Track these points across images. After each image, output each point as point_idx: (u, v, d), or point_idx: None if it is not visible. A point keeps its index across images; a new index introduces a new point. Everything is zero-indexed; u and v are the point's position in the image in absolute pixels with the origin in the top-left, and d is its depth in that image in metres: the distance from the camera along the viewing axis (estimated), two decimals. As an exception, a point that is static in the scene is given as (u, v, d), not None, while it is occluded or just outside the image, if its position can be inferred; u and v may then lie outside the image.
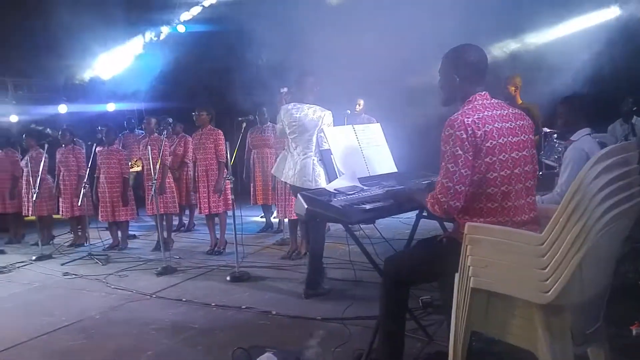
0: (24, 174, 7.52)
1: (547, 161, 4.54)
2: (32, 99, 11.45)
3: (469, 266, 2.10)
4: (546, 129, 5.55)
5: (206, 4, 10.57)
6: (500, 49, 7.81)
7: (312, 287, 4.31)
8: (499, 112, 2.24)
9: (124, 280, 5.28)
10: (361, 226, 5.99)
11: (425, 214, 2.75)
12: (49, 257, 6.57)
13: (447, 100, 2.44)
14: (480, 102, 2.26)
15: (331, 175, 3.09)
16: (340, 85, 5.31)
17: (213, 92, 9.52)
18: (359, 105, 7.06)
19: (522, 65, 7.09)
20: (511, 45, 7.79)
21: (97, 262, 6.09)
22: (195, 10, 10.78)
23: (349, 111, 6.65)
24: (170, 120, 7.67)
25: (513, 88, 5.30)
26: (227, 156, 5.49)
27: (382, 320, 2.60)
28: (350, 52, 6.99)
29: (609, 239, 1.93)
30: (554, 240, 1.86)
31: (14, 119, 10.89)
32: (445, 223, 2.86)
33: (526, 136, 2.26)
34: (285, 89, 5.39)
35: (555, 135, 4.51)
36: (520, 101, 5.42)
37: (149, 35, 11.47)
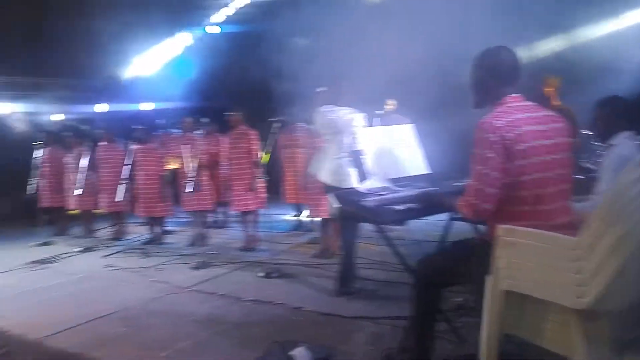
0: (68, 170, 7.84)
1: (587, 165, 4.46)
2: (77, 98, 11.85)
3: (502, 268, 2.11)
4: (586, 131, 5.47)
5: (240, 4, 10.74)
6: (546, 47, 7.65)
7: (343, 284, 4.40)
8: (530, 114, 2.24)
9: (162, 273, 5.46)
10: (393, 227, 6.09)
11: (457, 216, 2.78)
12: (91, 249, 6.83)
13: (478, 103, 2.43)
14: (511, 104, 2.26)
15: (362, 176, 3.16)
16: (373, 86, 5.36)
17: (247, 92, 9.67)
18: (389, 106, 7.07)
19: (568, 63, 6.92)
20: (558, 43, 7.61)
21: (136, 256, 6.31)
22: (231, 11, 10.97)
23: (380, 111, 6.69)
24: (206, 119, 7.87)
25: (549, 89, 5.23)
26: (259, 155, 5.61)
27: (413, 321, 2.64)
28: (387, 51, 7.04)
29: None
30: (591, 245, 1.85)
31: (60, 117, 11.29)
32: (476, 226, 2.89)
33: (560, 139, 2.24)
34: (322, 89, 5.51)
35: (595, 137, 4.44)
36: (557, 102, 5.35)
37: (186, 36, 11.74)
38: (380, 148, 3.29)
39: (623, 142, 3.27)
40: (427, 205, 2.64)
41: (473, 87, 2.42)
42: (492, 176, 2.14)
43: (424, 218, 2.88)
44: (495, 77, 2.32)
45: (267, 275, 5.09)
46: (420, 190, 2.84)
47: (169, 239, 7.42)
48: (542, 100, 5.27)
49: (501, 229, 2.11)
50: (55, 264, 6.20)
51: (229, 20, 11.14)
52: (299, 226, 7.71)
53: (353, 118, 4.46)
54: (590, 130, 4.24)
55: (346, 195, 2.81)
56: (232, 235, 7.52)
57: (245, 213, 6.49)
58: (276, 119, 5.94)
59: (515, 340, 2.78)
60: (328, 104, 4.67)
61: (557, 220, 2.20)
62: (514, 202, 2.20)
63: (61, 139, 8.47)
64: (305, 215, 7.58)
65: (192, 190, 6.07)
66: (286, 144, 7.21)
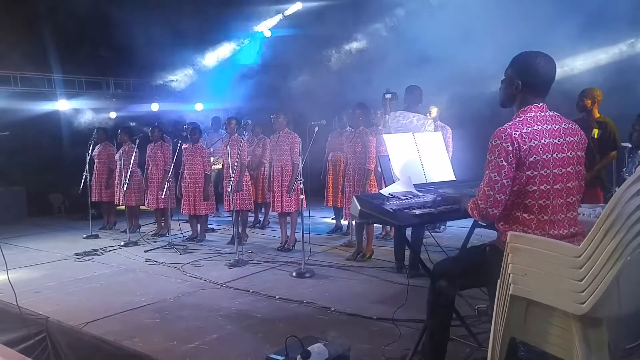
0: (117, 166, 8.22)
1: (626, 176, 4.37)
2: (128, 97, 12.37)
3: (510, 274, 2.16)
4: (625, 144, 5.32)
5: (291, 11, 10.98)
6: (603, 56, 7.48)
7: (413, 268, 4.86)
8: (549, 126, 2.26)
9: (199, 269, 5.67)
10: (432, 234, 6.10)
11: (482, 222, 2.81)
12: (134, 244, 7.15)
13: (504, 102, 2.45)
14: (533, 114, 2.29)
15: (388, 181, 3.22)
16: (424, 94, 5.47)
17: (295, 96, 9.86)
18: (431, 114, 7.09)
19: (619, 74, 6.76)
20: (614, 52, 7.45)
21: (176, 252, 6.56)
22: (281, 17, 11.22)
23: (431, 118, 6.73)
24: (250, 121, 8.08)
25: (589, 101, 5.13)
26: (300, 158, 5.74)
27: (428, 323, 2.71)
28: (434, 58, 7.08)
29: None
30: (590, 253, 1.90)
31: (112, 115, 11.79)
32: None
33: (573, 153, 2.28)
34: (390, 95, 5.68)
35: (632, 149, 4.35)
36: (597, 115, 5.24)
37: (237, 40, 12.07)
38: (406, 154, 3.34)
39: None
40: (446, 208, 2.69)
41: (503, 84, 2.44)
42: (503, 183, 2.21)
43: (464, 226, 2.91)
44: (525, 82, 2.32)
45: (300, 275, 5.21)
46: (440, 194, 2.88)
47: (210, 237, 7.65)
48: (583, 111, 5.17)
49: (510, 235, 2.16)
50: (100, 256, 6.55)
51: (280, 25, 11.38)
52: (336, 229, 7.80)
53: (424, 124, 4.92)
54: (629, 142, 4.17)
55: (368, 199, 2.88)
56: (271, 235, 7.70)
57: (284, 214, 6.62)
58: (316, 122, 6.01)
59: (532, 348, 2.81)
60: (403, 110, 5.20)
61: (561, 231, 2.24)
62: (519, 209, 2.27)
63: (112, 136, 8.86)
64: (343, 219, 7.66)
65: (233, 190, 6.26)
66: (331, 147, 7.33)
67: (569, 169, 2.25)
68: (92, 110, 11.52)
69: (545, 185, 2.21)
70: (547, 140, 2.23)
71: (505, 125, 2.27)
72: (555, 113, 2.36)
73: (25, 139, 9.32)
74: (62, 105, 11.19)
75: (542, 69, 2.31)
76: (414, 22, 8.84)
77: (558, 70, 2.41)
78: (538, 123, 2.26)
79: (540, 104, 2.33)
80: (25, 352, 4.00)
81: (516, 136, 2.19)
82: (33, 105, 10.69)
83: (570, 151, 2.27)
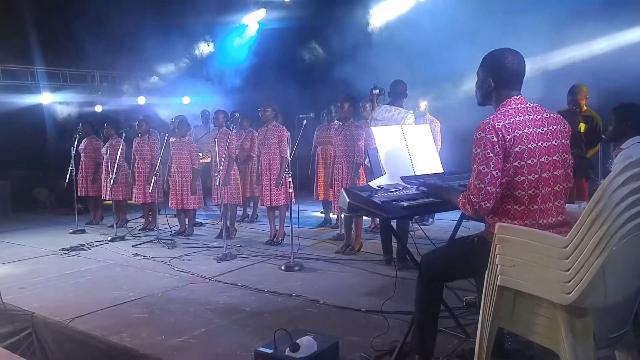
0: (104, 160, 8.13)
1: (610, 169, 4.45)
2: (114, 91, 12.25)
3: (497, 265, 2.18)
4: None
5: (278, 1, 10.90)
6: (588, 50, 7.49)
7: (402, 260, 4.97)
8: (531, 116, 2.29)
9: (187, 263, 5.65)
10: (420, 226, 6.13)
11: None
12: (122, 238, 7.10)
13: (481, 102, 2.51)
14: (514, 106, 2.32)
15: (376, 173, 3.22)
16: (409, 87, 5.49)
17: (283, 88, 9.82)
18: (419, 107, 7.12)
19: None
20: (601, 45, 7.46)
21: (164, 246, 6.53)
22: (269, 8, 11.14)
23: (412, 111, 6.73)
24: (238, 115, 8.02)
25: (580, 97, 5.25)
26: (288, 152, 5.72)
27: (416, 315, 2.73)
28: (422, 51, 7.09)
29: (636, 247, 1.95)
30: (577, 243, 1.92)
31: (98, 108, 11.68)
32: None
33: (558, 141, 2.30)
34: (377, 91, 5.70)
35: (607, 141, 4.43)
36: (585, 108, 5.34)
37: (224, 32, 11.99)
38: (394, 146, 3.33)
39: (632, 146, 3.33)
40: (429, 196, 2.71)
41: (477, 85, 2.50)
42: (492, 175, 2.21)
43: (452, 219, 2.92)
44: (497, 79, 2.38)
45: (289, 269, 5.21)
46: (427, 182, 2.88)
47: (198, 231, 7.63)
48: (575, 106, 5.25)
49: (498, 226, 2.17)
50: (86, 251, 6.49)
51: (267, 18, 11.31)
52: (325, 222, 7.80)
53: (404, 117, 5.07)
54: (603, 134, 4.25)
55: (356, 191, 2.87)
56: (260, 229, 7.68)
57: (273, 208, 6.61)
58: (305, 115, 5.98)
59: (520, 339, 2.84)
60: (388, 104, 5.31)
61: (550, 220, 2.26)
62: (509, 201, 2.29)
63: (98, 130, 8.77)
64: (332, 212, 7.66)
65: (221, 184, 6.23)
66: (320, 140, 7.32)
67: (554, 157, 2.27)
68: (77, 103, 11.40)
69: (533, 174, 2.23)
70: (531, 130, 2.24)
71: (488, 118, 2.29)
72: (536, 104, 2.39)
73: (8, 133, 9.20)
74: (46, 98, 11.04)
75: (510, 64, 2.36)
76: (402, 16, 8.87)
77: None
78: (520, 114, 2.28)
79: (519, 97, 2.36)
80: (11, 348, 3.98)
81: (499, 127, 2.21)
82: (16, 98, 10.56)
83: (555, 139, 2.29)
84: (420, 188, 2.82)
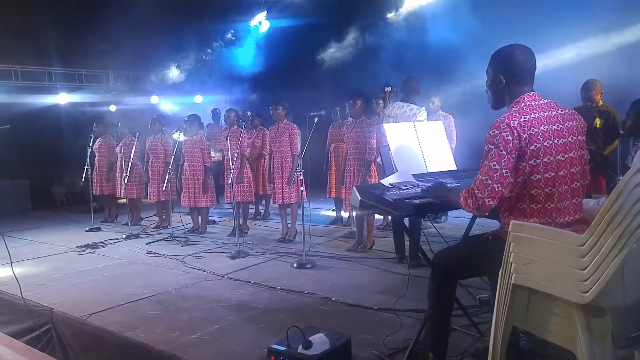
0: (118, 159, 8.21)
1: (629, 164, 4.37)
2: (129, 90, 12.35)
3: (512, 263, 2.14)
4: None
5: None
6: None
7: (414, 258, 4.91)
8: (547, 113, 2.24)
9: (200, 261, 5.67)
10: (433, 224, 6.09)
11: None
12: (136, 236, 7.16)
13: (495, 103, 2.43)
14: (528, 103, 2.26)
15: (388, 171, 3.20)
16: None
17: (295, 87, 9.82)
18: (433, 103, 7.08)
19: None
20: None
21: (177, 244, 6.56)
22: (280, 7, 11.13)
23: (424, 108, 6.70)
24: (249, 113, 8.05)
25: (594, 92, 5.17)
26: (300, 150, 5.72)
27: (429, 313, 2.70)
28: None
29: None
30: (594, 241, 1.87)
31: (112, 108, 11.78)
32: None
33: (574, 137, 2.25)
34: (389, 88, 5.69)
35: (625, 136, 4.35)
36: (601, 103, 5.26)
37: (236, 30, 12.01)
38: (406, 143, 3.32)
39: None
40: (434, 197, 2.65)
41: (488, 84, 2.44)
42: (502, 173, 2.17)
43: (465, 216, 2.87)
44: (509, 75, 2.32)
45: (301, 266, 5.21)
46: (432, 183, 2.84)
47: (211, 228, 7.65)
48: (590, 102, 5.17)
49: (512, 224, 2.13)
50: (102, 248, 6.56)
51: (279, 16, 11.28)
52: (337, 220, 7.79)
53: (415, 113, 5.00)
54: (621, 129, 4.18)
55: (368, 189, 2.86)
56: (272, 226, 7.70)
57: (285, 205, 6.61)
58: (316, 113, 5.97)
59: (534, 339, 2.81)
60: (400, 101, 5.26)
61: (567, 218, 2.22)
62: (525, 200, 2.24)
63: (113, 129, 8.84)
64: (343, 210, 7.65)
65: (233, 182, 6.25)
66: (333, 138, 7.31)
67: (571, 154, 2.23)
68: (92, 103, 11.52)
69: (550, 172, 2.18)
70: (547, 127, 2.20)
71: (503, 116, 2.25)
72: (550, 100, 2.33)
73: (27, 133, 9.32)
74: (63, 98, 11.18)
75: (520, 59, 2.30)
76: (416, 11, 8.80)
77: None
78: (534, 111, 2.24)
79: (532, 93, 2.31)
80: (31, 343, 4.02)
81: (515, 125, 2.17)
82: (34, 98, 10.71)
83: (571, 136, 2.24)
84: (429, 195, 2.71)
